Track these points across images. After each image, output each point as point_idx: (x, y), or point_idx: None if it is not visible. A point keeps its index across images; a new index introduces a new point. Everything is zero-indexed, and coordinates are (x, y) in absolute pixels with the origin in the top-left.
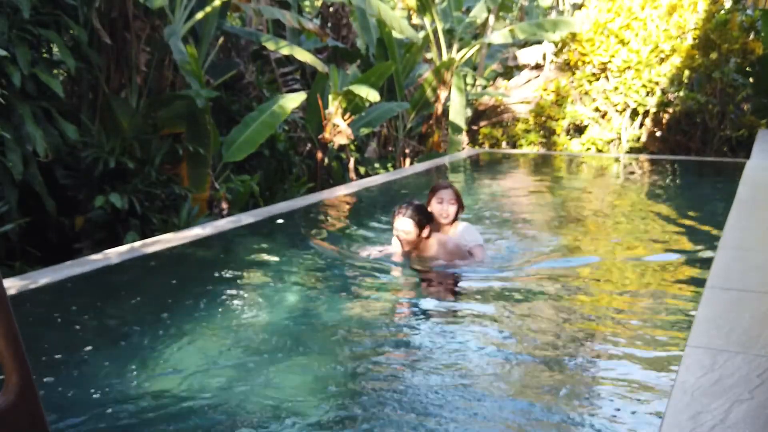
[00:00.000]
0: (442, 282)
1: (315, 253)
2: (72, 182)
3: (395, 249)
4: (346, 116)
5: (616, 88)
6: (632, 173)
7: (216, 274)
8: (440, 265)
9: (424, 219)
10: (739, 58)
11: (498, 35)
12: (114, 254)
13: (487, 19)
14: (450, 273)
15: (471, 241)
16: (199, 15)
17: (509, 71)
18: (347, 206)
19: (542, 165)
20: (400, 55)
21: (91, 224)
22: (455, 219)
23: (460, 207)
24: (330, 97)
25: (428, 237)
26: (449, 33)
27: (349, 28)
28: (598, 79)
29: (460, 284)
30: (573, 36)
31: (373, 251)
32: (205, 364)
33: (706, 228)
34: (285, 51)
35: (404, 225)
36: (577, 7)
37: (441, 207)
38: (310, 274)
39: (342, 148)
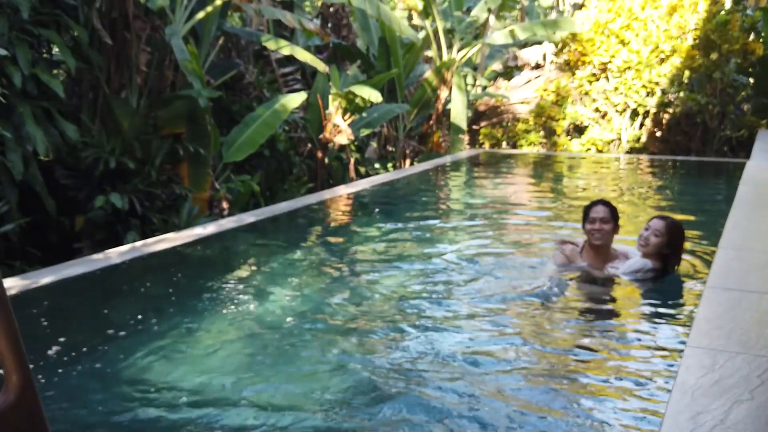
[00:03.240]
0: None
1: (316, 253)
2: (72, 182)
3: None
4: (347, 116)
5: (616, 89)
6: (632, 174)
7: (217, 274)
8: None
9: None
10: (739, 59)
11: (498, 35)
12: (115, 254)
13: (487, 19)
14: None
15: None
16: (200, 15)
17: (509, 71)
18: (348, 206)
19: (542, 165)
20: (400, 55)
21: (92, 224)
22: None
23: (616, 226)
24: (330, 97)
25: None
26: (450, 33)
27: (349, 28)
28: (598, 80)
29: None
30: (573, 36)
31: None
32: (205, 363)
33: (705, 228)
34: (285, 51)
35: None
36: (578, 7)
37: (593, 227)
38: (312, 273)
39: (342, 148)
